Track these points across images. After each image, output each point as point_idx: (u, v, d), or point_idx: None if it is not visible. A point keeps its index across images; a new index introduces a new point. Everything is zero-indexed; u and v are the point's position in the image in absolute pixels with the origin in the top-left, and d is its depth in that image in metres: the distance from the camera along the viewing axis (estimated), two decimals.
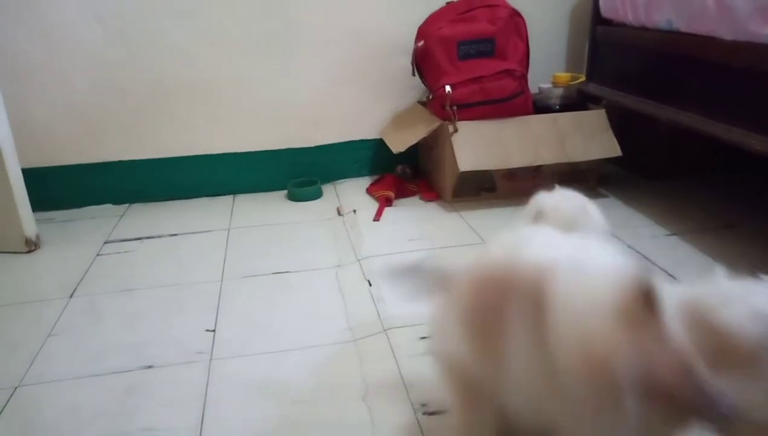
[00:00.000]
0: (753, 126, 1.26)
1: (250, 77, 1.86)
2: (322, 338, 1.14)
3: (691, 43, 1.44)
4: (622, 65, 1.79)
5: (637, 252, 1.40)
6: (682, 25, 1.47)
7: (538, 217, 0.90)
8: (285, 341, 1.14)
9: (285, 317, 1.23)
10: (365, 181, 1.97)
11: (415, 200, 1.82)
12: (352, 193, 1.90)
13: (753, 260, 1.33)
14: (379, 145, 1.96)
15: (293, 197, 1.89)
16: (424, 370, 1.03)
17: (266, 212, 1.80)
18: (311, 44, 1.87)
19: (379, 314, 1.21)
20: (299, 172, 1.96)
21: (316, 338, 1.15)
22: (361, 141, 2.00)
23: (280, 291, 1.33)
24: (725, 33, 1.32)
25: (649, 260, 1.36)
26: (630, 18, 1.68)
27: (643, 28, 1.63)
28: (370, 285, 1.32)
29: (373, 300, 1.26)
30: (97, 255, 1.55)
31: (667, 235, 1.50)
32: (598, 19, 1.86)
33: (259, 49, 1.84)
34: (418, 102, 1.96)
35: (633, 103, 1.68)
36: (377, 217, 1.68)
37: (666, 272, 1.31)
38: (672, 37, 1.51)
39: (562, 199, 0.90)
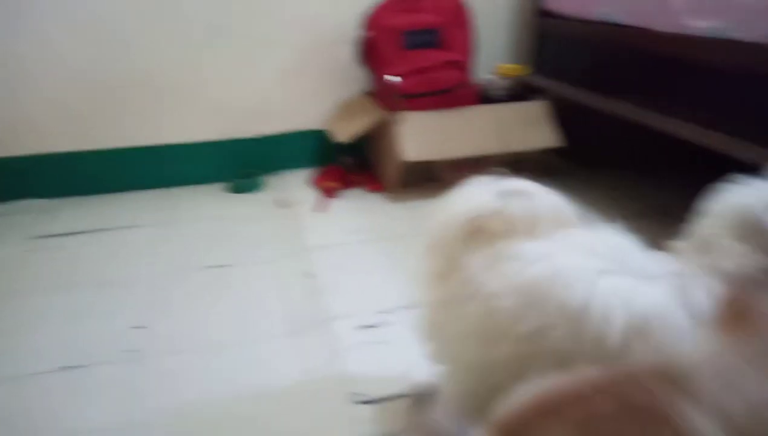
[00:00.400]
0: (686, 116, 1.29)
1: (193, 66, 1.79)
2: (260, 333, 1.11)
3: (630, 36, 1.46)
4: (564, 57, 1.81)
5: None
6: (620, 17, 1.49)
7: (477, 225, 0.68)
8: (221, 337, 1.10)
9: (222, 312, 1.18)
10: (310, 173, 1.93)
11: (359, 191, 1.80)
12: (296, 185, 1.86)
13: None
14: (325, 135, 1.93)
15: (234, 190, 1.83)
16: (363, 361, 1.01)
17: (206, 205, 1.74)
18: (257, 32, 1.81)
19: (319, 307, 1.18)
20: (241, 164, 1.90)
21: (255, 333, 1.11)
22: (306, 131, 1.96)
23: (217, 286, 1.28)
24: (661, 25, 1.35)
25: None
26: (571, 10, 1.70)
27: (584, 21, 1.65)
28: (311, 277, 1.29)
29: (315, 293, 1.23)
30: (25, 251, 1.46)
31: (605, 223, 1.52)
32: (541, 11, 1.87)
33: (203, 38, 1.77)
34: (365, 92, 1.93)
35: (574, 95, 1.70)
36: (320, 208, 1.65)
37: None
38: (611, 30, 1.53)
39: (527, 200, 0.68)
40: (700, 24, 1.23)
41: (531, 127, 1.74)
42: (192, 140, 1.87)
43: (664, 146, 1.82)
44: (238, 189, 1.82)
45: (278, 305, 1.20)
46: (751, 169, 0.72)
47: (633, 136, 1.83)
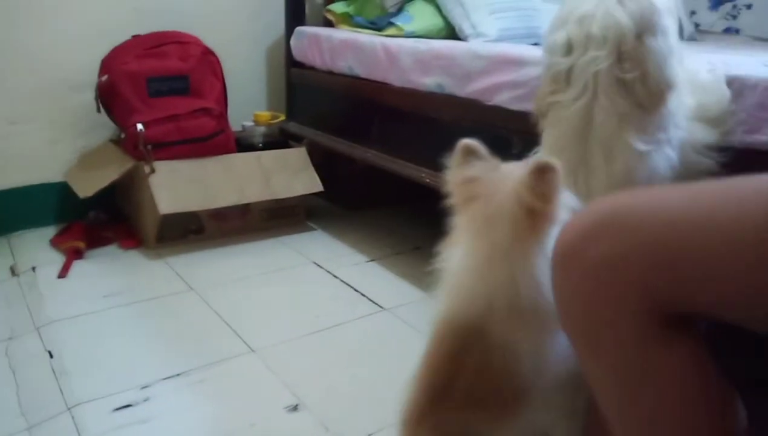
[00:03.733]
0: (422, 162, 1.44)
1: None
2: None
3: (370, 88, 1.59)
4: (316, 106, 1.90)
5: (341, 280, 1.49)
6: (361, 71, 1.62)
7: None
8: None
9: None
10: (50, 232, 1.71)
11: (112, 249, 1.64)
12: (32, 247, 1.62)
13: (435, 277, 1.52)
14: (66, 189, 1.72)
15: None
16: None
17: None
18: None
19: (61, 390, 1.04)
20: None
21: None
22: (42, 185, 1.73)
23: None
24: (395, 80, 1.50)
25: (352, 287, 1.45)
26: (318, 62, 1.80)
27: (330, 73, 1.76)
28: (51, 357, 1.13)
29: (55, 374, 1.08)
30: None
31: (367, 261, 1.62)
32: (291, 61, 1.94)
33: None
34: (110, 141, 1.78)
35: (328, 142, 1.79)
36: (63, 273, 1.46)
37: (367, 296, 1.41)
38: (354, 82, 1.65)
39: None
40: (425, 81, 1.40)
41: (293, 173, 1.79)
42: None
43: (411, 187, 2.01)
44: None
45: (8, 395, 1.02)
46: None
47: (385, 179, 1.98)
